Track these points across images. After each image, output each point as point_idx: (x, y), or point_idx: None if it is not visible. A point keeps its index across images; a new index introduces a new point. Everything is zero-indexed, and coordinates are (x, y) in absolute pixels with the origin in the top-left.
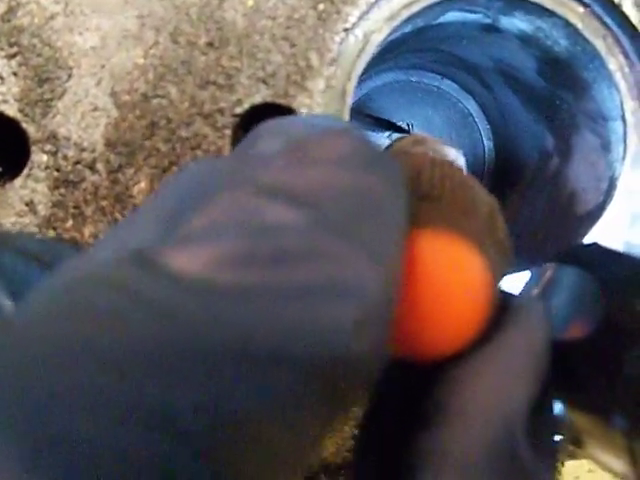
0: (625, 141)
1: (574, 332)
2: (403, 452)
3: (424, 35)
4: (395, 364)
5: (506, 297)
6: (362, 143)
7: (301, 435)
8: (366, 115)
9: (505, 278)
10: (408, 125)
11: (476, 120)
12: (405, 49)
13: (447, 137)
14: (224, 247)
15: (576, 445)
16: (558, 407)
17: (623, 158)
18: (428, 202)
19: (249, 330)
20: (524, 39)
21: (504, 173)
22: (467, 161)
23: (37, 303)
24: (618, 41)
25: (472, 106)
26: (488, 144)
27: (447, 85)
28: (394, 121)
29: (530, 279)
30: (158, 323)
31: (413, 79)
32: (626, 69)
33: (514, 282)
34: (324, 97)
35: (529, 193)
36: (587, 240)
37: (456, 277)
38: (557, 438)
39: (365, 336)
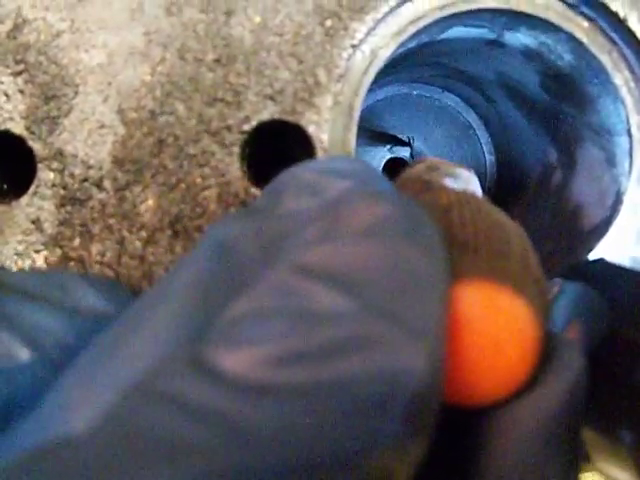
0: (631, 155)
1: (591, 346)
2: None
3: (427, 49)
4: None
5: (548, 337)
6: (396, 207)
7: None
8: (366, 129)
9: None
10: (409, 138)
11: (477, 133)
12: (408, 63)
13: (448, 151)
14: (274, 343)
15: (584, 459)
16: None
17: (629, 173)
18: (464, 252)
19: (308, 435)
20: (528, 54)
21: (506, 187)
22: None
23: (92, 420)
24: (623, 56)
25: (474, 119)
26: (490, 158)
27: (449, 98)
28: (395, 134)
29: None
30: (225, 441)
31: (414, 92)
32: (632, 84)
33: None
34: (332, 113)
35: (532, 207)
36: (593, 255)
37: (503, 325)
38: None
39: (417, 420)
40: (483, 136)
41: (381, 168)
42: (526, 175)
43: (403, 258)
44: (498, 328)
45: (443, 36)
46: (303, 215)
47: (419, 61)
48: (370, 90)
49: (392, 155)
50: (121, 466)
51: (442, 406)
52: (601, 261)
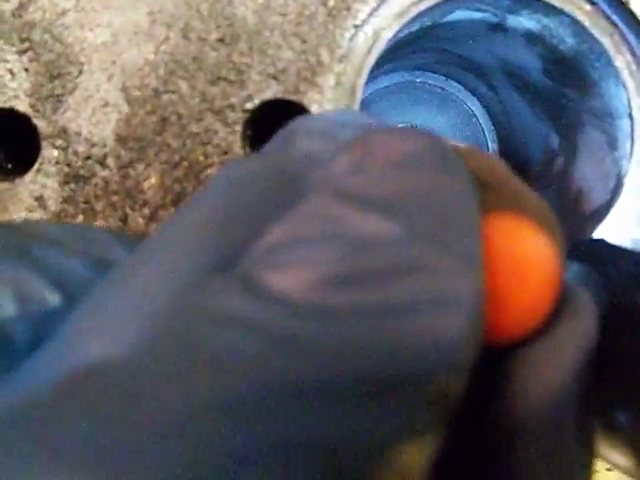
0: (632, 138)
1: None
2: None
3: (430, 35)
4: None
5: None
6: (427, 140)
7: (426, 451)
8: None
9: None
10: (412, 126)
11: (480, 121)
12: (410, 49)
13: (451, 138)
14: (325, 265)
15: None
16: None
17: (630, 155)
18: (487, 191)
19: (372, 353)
20: (530, 38)
21: None
22: None
23: (136, 337)
24: (625, 39)
25: (476, 107)
26: (492, 146)
27: (451, 86)
28: (399, 122)
29: None
30: (282, 355)
31: (418, 80)
32: (633, 66)
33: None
34: (334, 93)
35: (535, 192)
36: (594, 237)
37: (526, 254)
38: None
39: (470, 344)
40: (486, 124)
41: None
42: (529, 162)
43: (441, 188)
44: (522, 257)
45: (446, 19)
46: (324, 154)
47: (422, 47)
48: (374, 77)
49: None
50: (176, 380)
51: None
52: (601, 241)
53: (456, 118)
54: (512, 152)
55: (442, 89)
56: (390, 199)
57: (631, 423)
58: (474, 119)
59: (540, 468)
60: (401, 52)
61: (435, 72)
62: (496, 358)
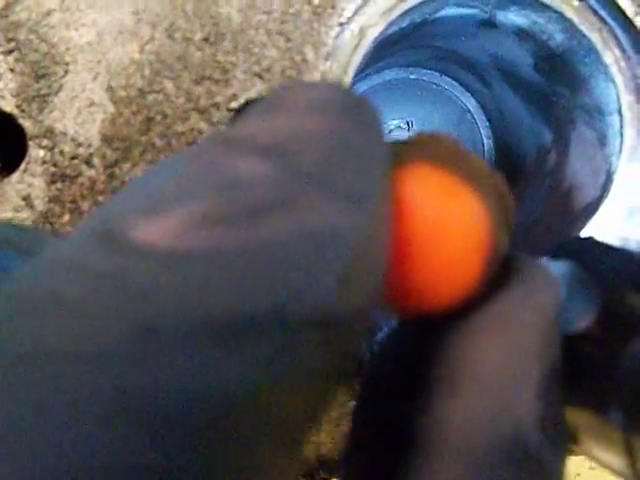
0: (622, 135)
1: (580, 325)
2: (398, 438)
3: (421, 31)
4: (390, 336)
5: (511, 257)
6: (338, 91)
7: (299, 402)
8: None
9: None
10: (408, 123)
11: (475, 117)
12: (403, 46)
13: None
14: (192, 208)
15: (572, 441)
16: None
17: (620, 152)
18: (415, 146)
19: (229, 297)
20: (520, 34)
21: (504, 170)
22: None
23: (3, 296)
24: (614, 34)
25: (471, 103)
26: (487, 142)
27: (446, 82)
28: (393, 119)
29: None
30: (129, 304)
31: (412, 76)
32: (622, 62)
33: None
34: None
35: (529, 189)
36: (584, 234)
37: (450, 211)
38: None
39: (353, 290)
40: (481, 120)
41: None
42: (523, 158)
43: (341, 132)
44: (444, 213)
45: (436, 16)
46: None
47: (414, 43)
48: (367, 75)
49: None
50: (29, 325)
51: (397, 312)
52: (589, 239)
53: (451, 114)
54: (507, 148)
55: (436, 85)
56: (278, 143)
57: (626, 423)
58: (469, 115)
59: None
60: (393, 49)
61: (429, 68)
62: (428, 339)
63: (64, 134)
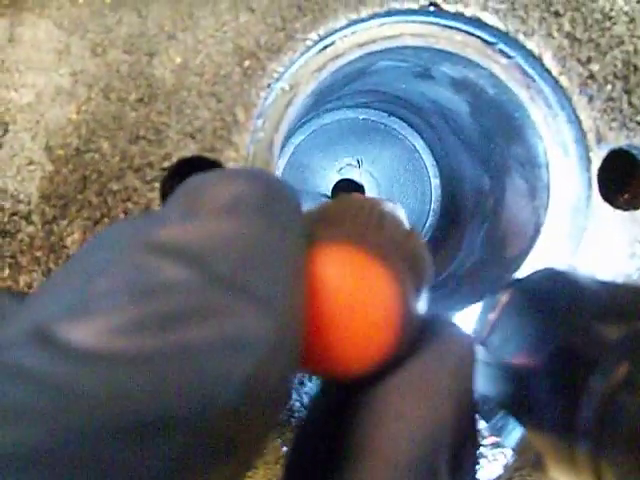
0: (549, 189)
1: (527, 358)
2: None
3: (364, 79)
4: (317, 394)
5: (430, 319)
6: (254, 183)
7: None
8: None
9: (425, 298)
10: (358, 161)
11: (423, 157)
12: (348, 90)
13: (395, 173)
14: (117, 314)
15: (537, 469)
16: (518, 430)
17: (547, 206)
18: (329, 225)
19: (141, 397)
20: (456, 85)
21: (448, 211)
22: (415, 194)
23: None
24: (541, 91)
25: (419, 143)
26: (435, 181)
27: (394, 122)
28: (344, 157)
29: (483, 309)
30: (57, 405)
31: (361, 117)
32: (549, 118)
33: (457, 321)
34: (251, 150)
35: (468, 232)
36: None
37: (358, 289)
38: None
39: (260, 387)
40: (428, 159)
41: (330, 189)
42: (465, 199)
43: (254, 232)
44: (354, 290)
45: (372, 68)
46: (173, 205)
47: (360, 89)
48: (316, 115)
49: (341, 177)
50: None
51: (316, 375)
52: (548, 271)
53: (399, 153)
54: (452, 189)
55: (385, 125)
56: (197, 247)
57: (593, 449)
58: (416, 154)
59: None
60: (339, 93)
61: (377, 109)
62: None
63: (4, 191)
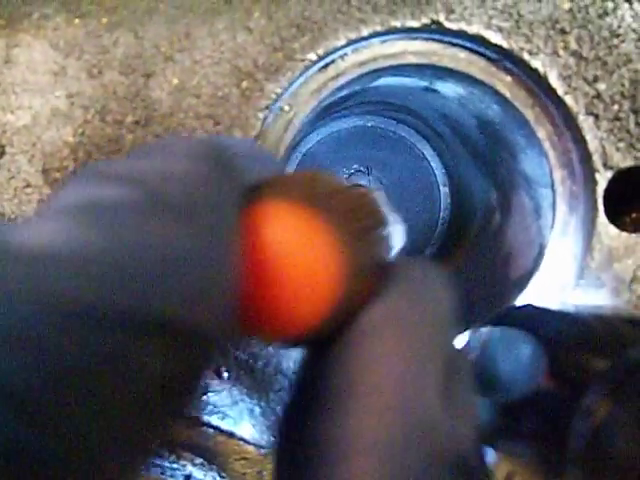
0: (554, 209)
1: (512, 394)
2: (314, 444)
3: (370, 92)
4: (307, 353)
5: (396, 262)
6: (210, 145)
7: (139, 400)
8: None
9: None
10: (367, 167)
11: (432, 165)
12: (356, 101)
13: (404, 180)
14: (62, 221)
15: None
16: (505, 462)
17: (552, 226)
18: (279, 185)
19: (90, 293)
20: (461, 100)
21: (457, 222)
22: (425, 202)
23: None
24: (546, 110)
25: (428, 151)
26: (444, 190)
27: (403, 130)
28: (353, 164)
29: (468, 342)
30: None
31: (369, 124)
32: (554, 137)
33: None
34: None
35: (473, 248)
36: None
37: (298, 244)
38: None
39: (200, 309)
40: (437, 167)
41: None
42: (474, 213)
43: (202, 175)
44: (292, 242)
45: (376, 84)
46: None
47: (367, 100)
48: (324, 123)
49: (351, 184)
50: None
51: (265, 338)
52: (529, 306)
53: (408, 160)
54: (461, 198)
55: (393, 133)
56: (143, 177)
57: (583, 478)
58: (425, 162)
59: None
60: (346, 103)
61: (385, 117)
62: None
63: (2, 214)
